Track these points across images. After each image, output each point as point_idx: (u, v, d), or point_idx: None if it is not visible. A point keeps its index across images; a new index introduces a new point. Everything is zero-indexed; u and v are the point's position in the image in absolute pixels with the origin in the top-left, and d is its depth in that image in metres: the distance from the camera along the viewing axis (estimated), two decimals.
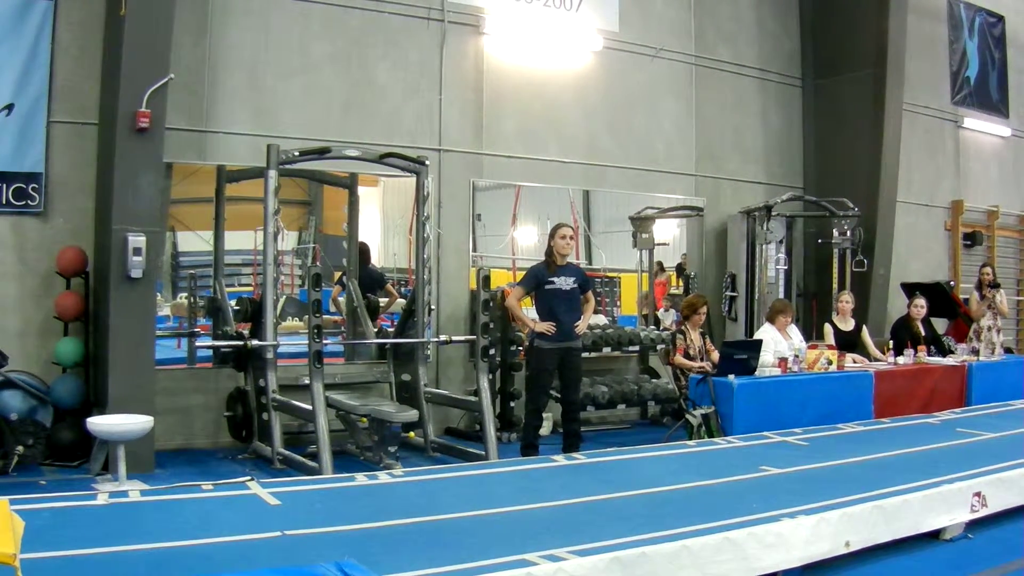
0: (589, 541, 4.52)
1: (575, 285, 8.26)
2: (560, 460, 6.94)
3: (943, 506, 6.09)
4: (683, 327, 9.51)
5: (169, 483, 6.28)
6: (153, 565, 4.10)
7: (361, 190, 9.72)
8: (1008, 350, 13.38)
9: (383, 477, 6.24)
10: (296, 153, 8.09)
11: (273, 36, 9.11)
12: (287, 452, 7.89)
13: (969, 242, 15.55)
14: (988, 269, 12.62)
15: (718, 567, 4.71)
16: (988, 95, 16.01)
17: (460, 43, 10.09)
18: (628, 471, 6.60)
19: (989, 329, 12.04)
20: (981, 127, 15.82)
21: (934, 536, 6.01)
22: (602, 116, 11.18)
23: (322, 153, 8.19)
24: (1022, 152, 17.01)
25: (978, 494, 6.30)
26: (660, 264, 12.04)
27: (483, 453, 8.11)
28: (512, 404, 9.68)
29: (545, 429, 9.16)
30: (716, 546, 4.74)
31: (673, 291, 11.98)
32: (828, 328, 10.50)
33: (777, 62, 12.92)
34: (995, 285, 12.18)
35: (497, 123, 10.37)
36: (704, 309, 9.62)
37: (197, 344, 9.07)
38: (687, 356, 9.24)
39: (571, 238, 8.12)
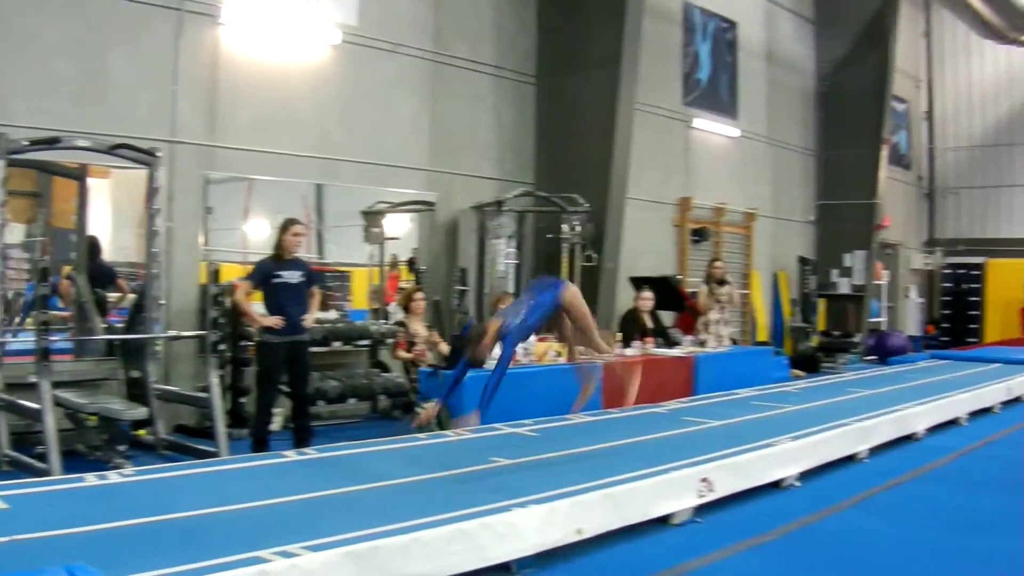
0: (322, 536, 4.84)
1: (302, 279, 9.26)
2: (291, 455, 7.41)
3: (671, 492, 6.79)
4: (403, 320, 10.56)
5: None
6: None
7: (92, 182, 10.00)
8: (734, 341, 15.36)
9: (113, 477, 6.45)
10: (26, 142, 8.32)
11: (4, 22, 9.45)
12: (14, 454, 8.14)
13: (697, 238, 17.68)
14: (719, 264, 14.41)
15: (451, 558, 5.12)
16: (718, 97, 18.38)
17: (196, 33, 10.72)
18: (360, 465, 7.03)
19: (716, 322, 13.88)
20: (711, 127, 18.13)
21: (664, 521, 6.73)
22: (338, 110, 12.07)
23: (52, 143, 8.48)
24: (749, 152, 19.57)
25: (705, 480, 7.07)
26: (395, 258, 13.06)
27: (214, 450, 8.58)
28: (243, 400, 10.43)
29: (276, 424, 9.98)
30: (448, 537, 5.16)
31: (404, 285, 12.87)
32: None
33: (513, 60, 14.34)
34: (722, 282, 14.02)
35: (231, 115, 11.03)
36: (419, 296, 10.72)
37: None
38: (410, 347, 10.28)
39: (303, 235, 9.09)
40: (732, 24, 19.01)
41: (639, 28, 14.48)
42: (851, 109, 21.84)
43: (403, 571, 4.91)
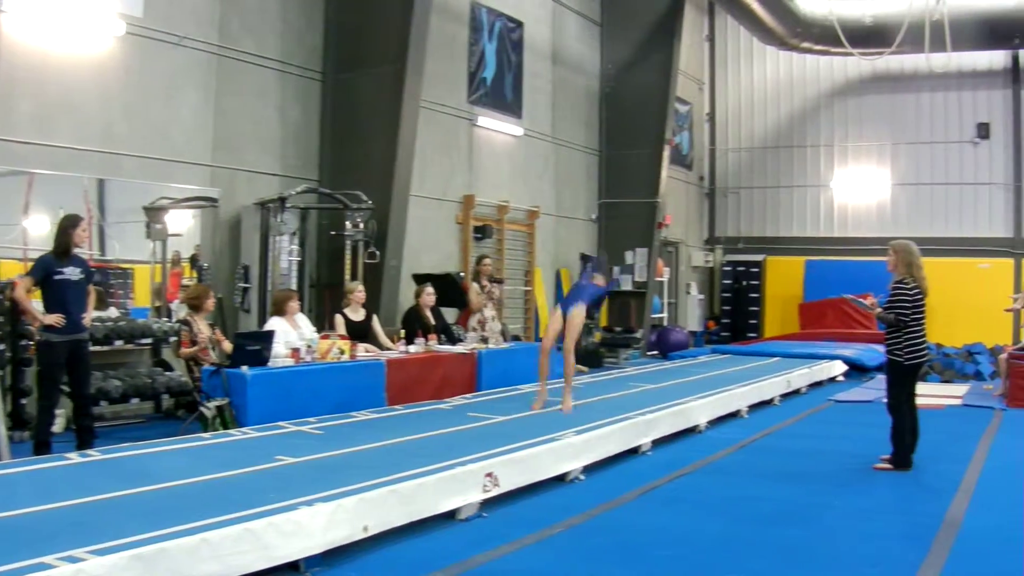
0: (108, 540, 5.03)
1: (82, 276, 9.63)
2: (75, 458, 7.70)
3: (457, 487, 7.27)
4: (188, 318, 11.10)
5: None
6: None
7: None
8: (516, 338, 16.59)
9: None
10: None
11: None
12: None
13: (480, 235, 18.72)
14: (487, 261, 15.35)
15: (239, 558, 5.39)
16: (503, 96, 19.66)
17: None
18: (144, 466, 7.37)
19: (493, 319, 14.86)
20: (495, 126, 19.36)
21: (451, 516, 7.23)
22: (121, 103, 12.36)
23: None
24: (533, 150, 20.97)
25: (490, 474, 7.61)
26: (177, 255, 13.32)
27: None
28: (24, 401, 10.56)
29: (58, 426, 10.23)
30: (236, 537, 5.42)
31: (186, 282, 13.27)
32: (339, 319, 12.41)
33: (299, 55, 15.08)
34: (494, 279, 15.11)
35: (12, 107, 11.12)
36: (211, 294, 11.26)
37: None
38: (193, 345, 10.86)
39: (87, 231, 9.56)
40: (519, 24, 20.32)
41: (426, 26, 15.42)
42: (635, 110, 23.61)
43: (191, 572, 5.19)
